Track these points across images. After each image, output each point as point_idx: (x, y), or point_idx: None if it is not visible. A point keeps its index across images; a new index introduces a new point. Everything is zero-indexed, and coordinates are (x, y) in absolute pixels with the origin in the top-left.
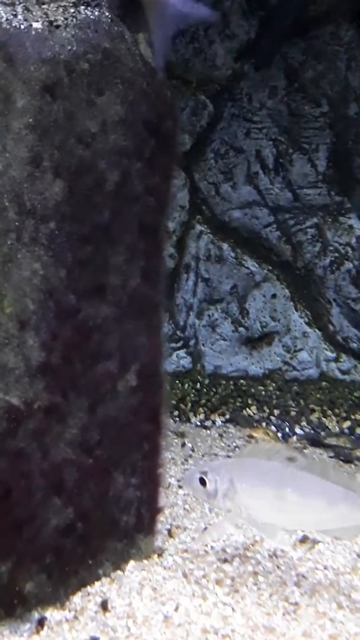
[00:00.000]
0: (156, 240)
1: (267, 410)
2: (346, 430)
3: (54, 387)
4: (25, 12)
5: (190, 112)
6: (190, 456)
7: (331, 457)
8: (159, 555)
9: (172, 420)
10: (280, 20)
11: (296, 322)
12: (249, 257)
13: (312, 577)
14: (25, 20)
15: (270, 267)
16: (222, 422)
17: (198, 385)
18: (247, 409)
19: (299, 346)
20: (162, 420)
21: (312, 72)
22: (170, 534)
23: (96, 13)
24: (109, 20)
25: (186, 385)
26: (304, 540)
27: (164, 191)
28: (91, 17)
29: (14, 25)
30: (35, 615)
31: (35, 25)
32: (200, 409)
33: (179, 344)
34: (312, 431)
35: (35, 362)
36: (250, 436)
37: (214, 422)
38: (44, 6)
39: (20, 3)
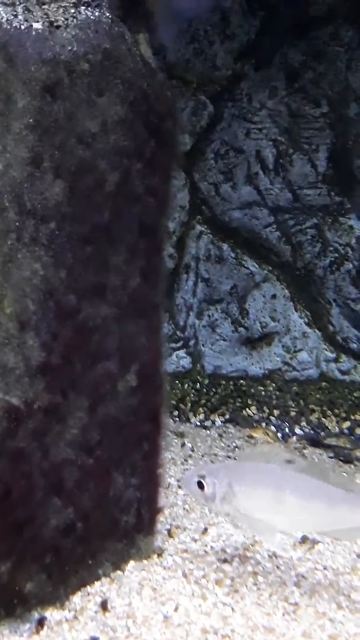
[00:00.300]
0: (156, 240)
1: (267, 411)
2: (346, 431)
3: (54, 387)
4: (26, 12)
5: (190, 112)
6: (190, 456)
7: (331, 457)
8: (159, 555)
9: (171, 421)
10: (280, 20)
11: (296, 323)
12: (249, 258)
13: (312, 578)
14: (26, 20)
15: (270, 268)
16: (221, 422)
17: (198, 386)
18: (247, 409)
19: (298, 346)
20: (162, 420)
21: (312, 73)
22: (170, 534)
23: (96, 13)
24: (110, 20)
25: (186, 386)
26: (303, 540)
27: (164, 191)
28: (91, 17)
29: (14, 25)
30: (35, 615)
31: (36, 25)
32: (200, 409)
33: (179, 344)
34: (311, 431)
35: (35, 362)
36: (250, 436)
37: (213, 422)
38: (44, 6)
39: (20, 3)
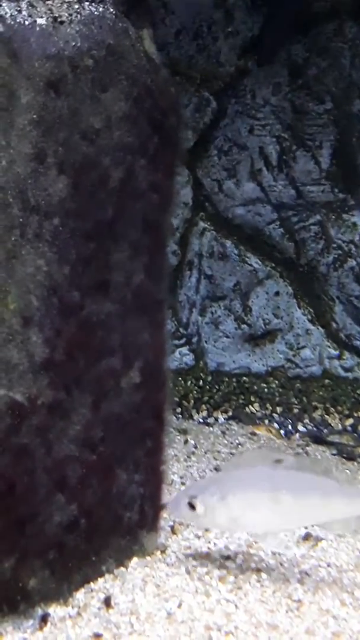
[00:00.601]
0: (160, 236)
1: (270, 408)
2: (349, 428)
3: (58, 384)
4: (30, 8)
5: (193, 108)
6: (193, 453)
7: (334, 454)
8: (162, 552)
9: (174, 417)
10: (283, 16)
11: (299, 320)
12: (252, 254)
13: (315, 575)
14: (30, 16)
15: (273, 264)
16: (224, 419)
17: (201, 382)
18: (250, 406)
19: (301, 343)
20: (165, 417)
21: (315, 69)
22: (173, 530)
23: (100, 9)
24: (113, 16)
25: (189, 382)
26: (306, 537)
27: (167, 188)
28: (95, 13)
29: (18, 21)
30: (39, 611)
31: (40, 21)
32: (203, 406)
33: (182, 341)
34: (314, 428)
35: (38, 358)
36: (253, 433)
37: (216, 419)
38: (48, 2)
39: None
